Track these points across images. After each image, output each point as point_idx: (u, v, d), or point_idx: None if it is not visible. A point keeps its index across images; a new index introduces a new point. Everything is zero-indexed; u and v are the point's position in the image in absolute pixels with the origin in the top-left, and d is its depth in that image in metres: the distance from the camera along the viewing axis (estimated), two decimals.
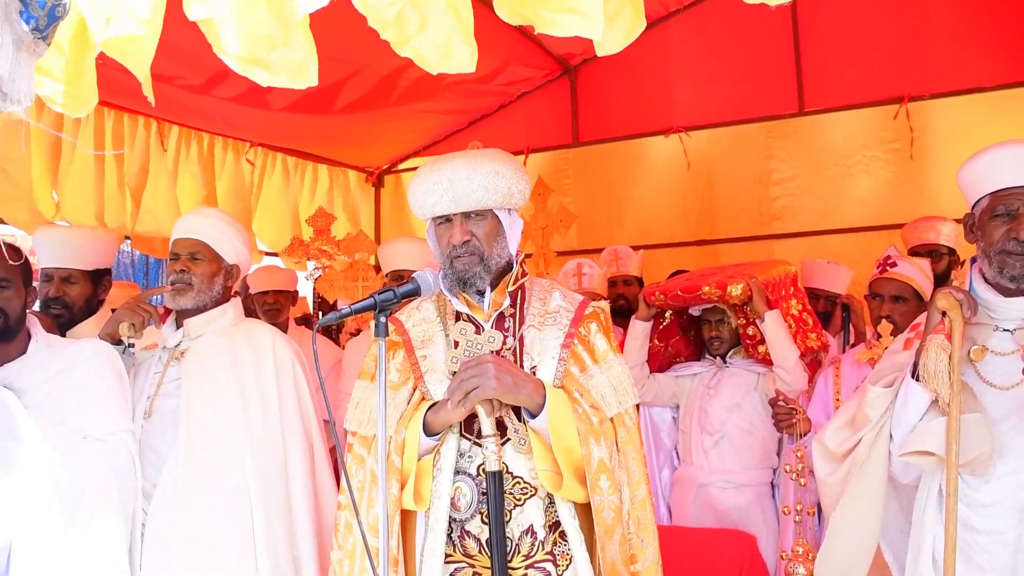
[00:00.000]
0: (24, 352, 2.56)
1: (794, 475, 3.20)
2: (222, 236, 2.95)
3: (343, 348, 5.01)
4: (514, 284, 2.29)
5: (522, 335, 2.25)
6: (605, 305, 2.39)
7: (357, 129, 6.01)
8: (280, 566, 2.73)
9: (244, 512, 2.72)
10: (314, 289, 5.53)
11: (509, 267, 2.30)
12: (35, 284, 2.76)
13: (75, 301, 3.23)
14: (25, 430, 2.18)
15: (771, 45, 5.84)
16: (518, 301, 2.29)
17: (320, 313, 5.66)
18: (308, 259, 5.44)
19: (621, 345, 3.67)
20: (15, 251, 2.56)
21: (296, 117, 5.51)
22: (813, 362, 3.81)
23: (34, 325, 2.64)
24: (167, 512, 2.67)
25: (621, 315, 4.49)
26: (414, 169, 6.84)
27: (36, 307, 3.10)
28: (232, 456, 2.74)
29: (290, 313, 5.06)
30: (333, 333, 5.79)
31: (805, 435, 3.26)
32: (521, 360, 2.21)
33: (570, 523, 2.12)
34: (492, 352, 2.19)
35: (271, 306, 4.80)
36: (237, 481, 2.73)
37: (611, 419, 2.20)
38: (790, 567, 3.12)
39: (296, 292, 5.12)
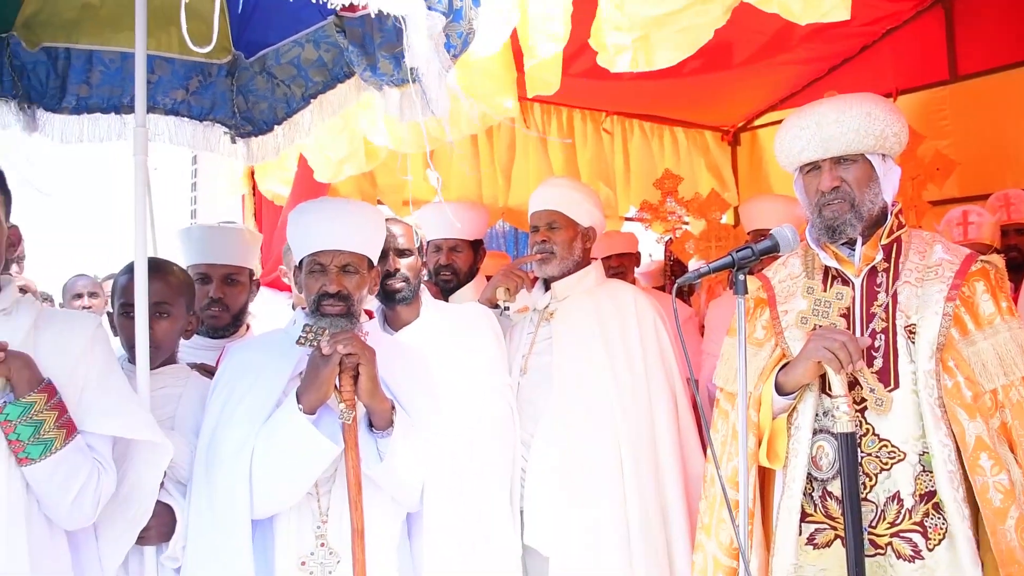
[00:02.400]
0: (418, 316, 2.93)
1: None
2: (573, 202, 3.12)
3: (692, 308, 5.04)
4: (888, 236, 2.16)
5: (895, 291, 2.12)
6: (998, 259, 2.16)
7: (709, 88, 5.93)
8: (649, 512, 2.87)
9: (614, 461, 2.88)
10: (667, 251, 5.59)
11: (883, 218, 2.18)
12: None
13: (461, 268, 3.63)
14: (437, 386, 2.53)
15: None
16: (892, 255, 2.16)
17: (673, 275, 5.71)
18: (660, 221, 5.51)
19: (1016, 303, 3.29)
20: (415, 232, 2.95)
21: (647, 83, 5.57)
22: None
23: (424, 292, 3.01)
24: (545, 461, 2.92)
25: (1013, 269, 3.99)
26: (771, 124, 6.62)
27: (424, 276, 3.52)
28: (602, 409, 2.92)
29: (634, 275, 5.17)
30: (685, 294, 5.82)
31: None
32: (894, 318, 2.09)
33: (950, 495, 1.96)
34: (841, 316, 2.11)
35: (615, 269, 4.91)
36: (607, 432, 2.90)
37: (993, 391, 2.01)
38: None
39: (638, 254, 5.21)
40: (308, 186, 3.91)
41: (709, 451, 2.25)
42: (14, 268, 4.01)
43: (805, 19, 2.08)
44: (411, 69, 1.94)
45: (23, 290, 2.98)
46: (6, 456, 1.95)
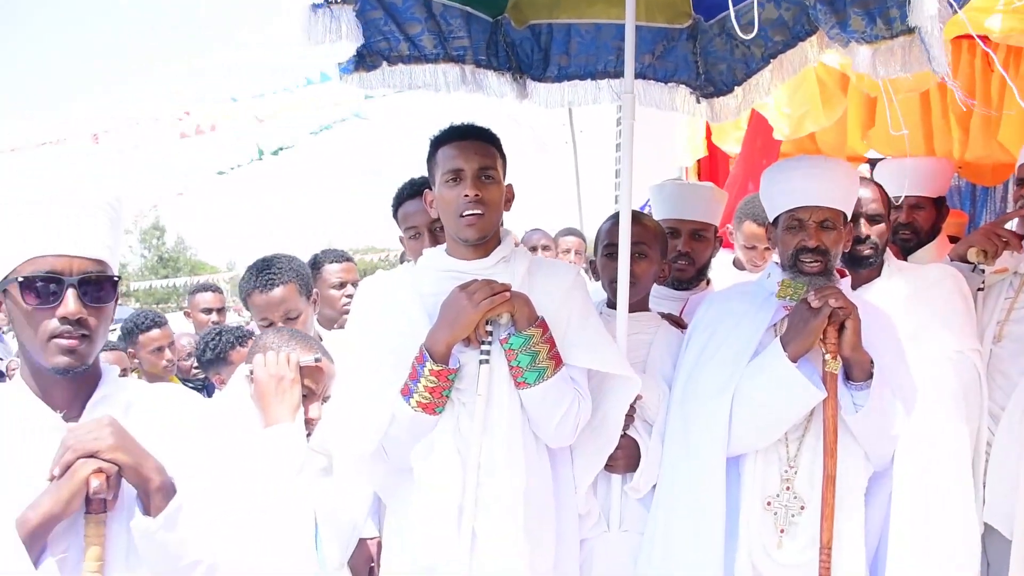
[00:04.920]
0: (879, 275, 2.85)
1: None
2: None
3: None
4: None
5: None
6: None
7: None
8: None
9: None
10: None
11: None
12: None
13: (922, 227, 3.45)
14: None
15: None
16: None
17: None
18: None
19: None
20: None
21: None
22: None
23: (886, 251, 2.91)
24: (1014, 437, 2.69)
25: None
26: None
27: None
28: None
29: None
30: None
31: None
32: None
33: None
34: None
35: None
36: None
37: None
38: None
39: None
40: (755, 146, 3.94)
41: None
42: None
43: None
44: (915, 27, 1.92)
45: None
46: (507, 380, 2.28)
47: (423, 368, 2.21)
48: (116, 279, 1.70)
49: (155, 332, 4.29)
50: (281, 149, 11.26)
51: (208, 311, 5.17)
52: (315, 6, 2.37)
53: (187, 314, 5.52)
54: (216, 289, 5.55)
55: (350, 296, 3.78)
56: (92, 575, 1.56)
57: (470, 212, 2.27)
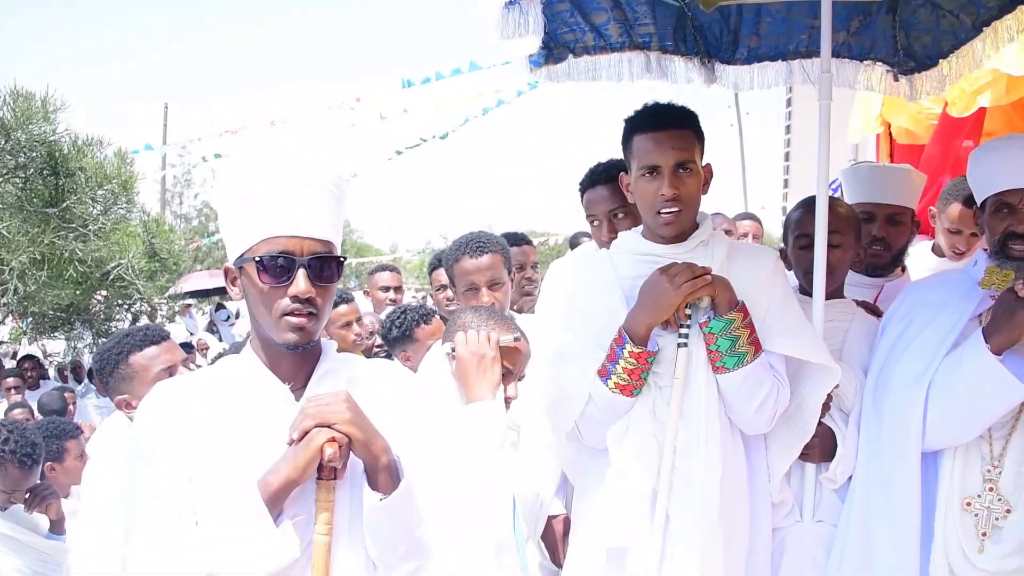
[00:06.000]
0: None
1: None
2: None
3: None
4: None
5: None
6: None
7: None
8: None
9: None
10: None
11: None
12: None
13: None
14: None
15: None
16: None
17: None
18: None
19: None
20: None
21: None
22: None
23: None
24: None
25: None
26: None
27: None
28: None
29: None
30: None
31: None
32: None
33: None
34: None
35: None
36: None
37: None
38: None
39: None
40: (952, 125, 3.71)
41: None
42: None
43: None
44: None
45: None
46: (705, 364, 2.27)
47: (622, 350, 2.22)
48: (342, 259, 1.78)
49: (343, 308, 4.47)
50: (446, 135, 11.53)
51: (386, 289, 5.34)
52: (508, 4, 2.42)
53: (366, 293, 5.73)
54: (394, 269, 5.74)
55: (528, 279, 3.83)
56: (322, 537, 1.65)
57: (668, 211, 2.25)
